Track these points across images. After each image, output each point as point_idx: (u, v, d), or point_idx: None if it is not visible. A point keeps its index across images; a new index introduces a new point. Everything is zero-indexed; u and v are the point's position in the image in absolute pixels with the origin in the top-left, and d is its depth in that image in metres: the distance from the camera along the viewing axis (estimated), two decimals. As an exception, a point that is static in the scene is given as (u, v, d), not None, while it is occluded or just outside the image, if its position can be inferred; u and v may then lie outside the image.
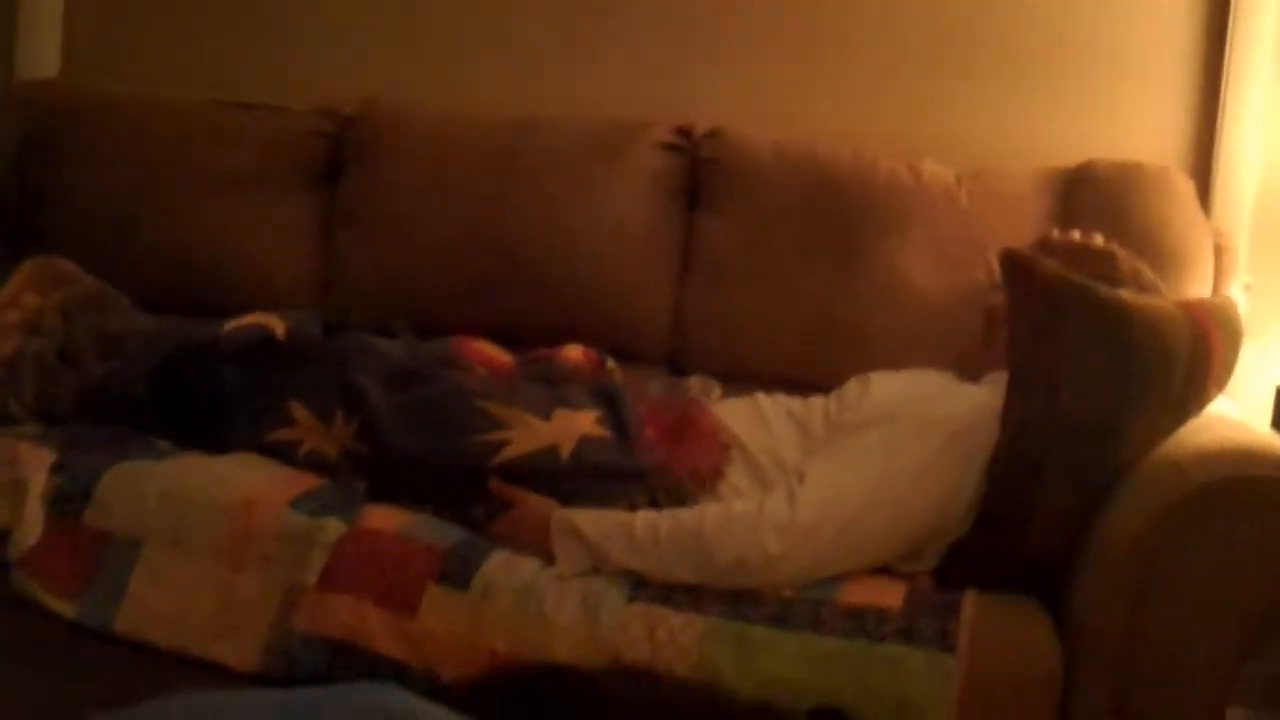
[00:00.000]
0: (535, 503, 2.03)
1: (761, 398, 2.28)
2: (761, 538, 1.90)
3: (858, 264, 2.57)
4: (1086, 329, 1.92)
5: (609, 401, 2.18)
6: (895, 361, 2.34)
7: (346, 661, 1.87)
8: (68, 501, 2.00)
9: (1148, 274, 2.24)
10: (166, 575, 1.94)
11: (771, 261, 2.61)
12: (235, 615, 1.91)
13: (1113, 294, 1.96)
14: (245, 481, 2.03)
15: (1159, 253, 2.44)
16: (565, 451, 2.08)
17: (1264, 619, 1.78)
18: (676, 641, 1.83)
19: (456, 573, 1.90)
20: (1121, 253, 2.25)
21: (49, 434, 2.15)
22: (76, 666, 1.94)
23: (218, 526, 1.96)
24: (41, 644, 1.96)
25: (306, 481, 2.06)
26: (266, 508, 1.97)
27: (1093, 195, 2.58)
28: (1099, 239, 2.27)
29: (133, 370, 2.26)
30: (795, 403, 2.26)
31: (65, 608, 1.94)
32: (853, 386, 2.26)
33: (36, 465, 2.03)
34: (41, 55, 3.18)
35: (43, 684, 1.91)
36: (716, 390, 2.40)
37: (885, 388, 2.21)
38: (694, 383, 2.42)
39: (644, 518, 1.96)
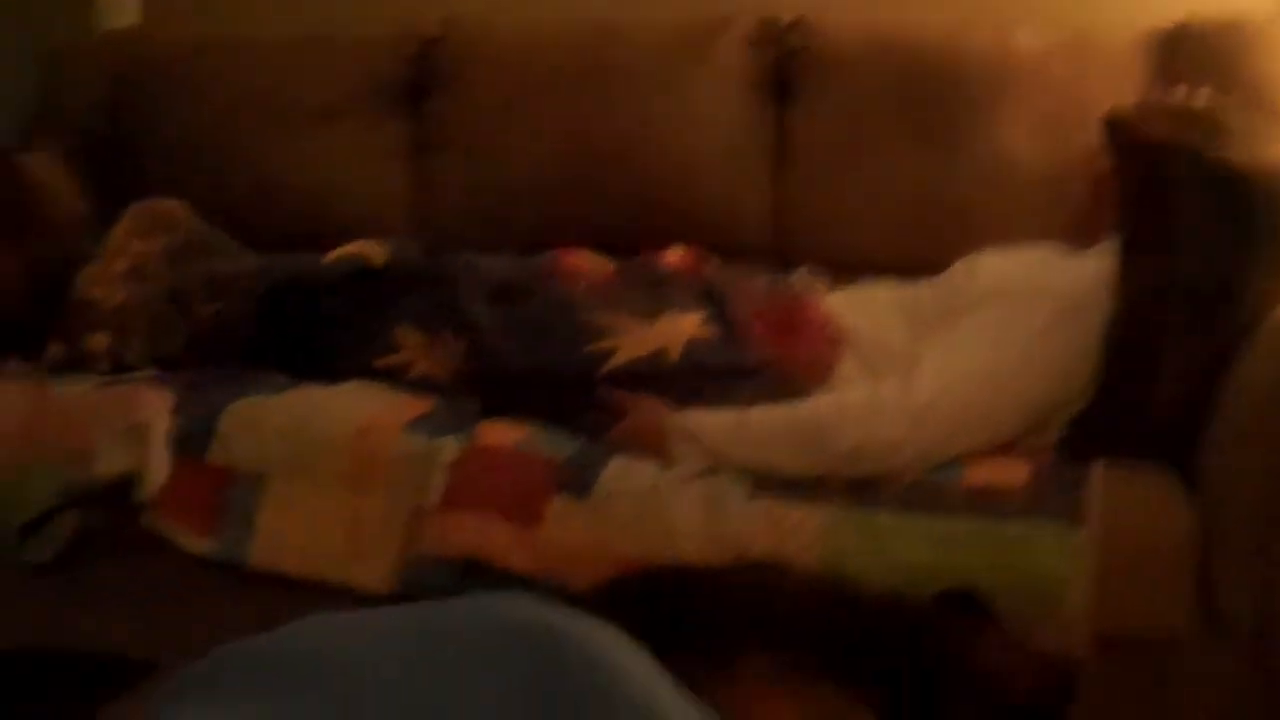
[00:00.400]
0: (649, 407, 2.03)
1: (869, 287, 2.27)
2: (879, 423, 1.89)
3: (956, 144, 2.52)
4: (1199, 193, 1.88)
5: (714, 301, 2.17)
6: (1001, 240, 2.30)
7: (476, 578, 1.88)
8: (191, 441, 2.03)
9: (1260, 126, 2.17)
10: (293, 506, 1.98)
11: (867, 149, 2.58)
12: (364, 540, 1.94)
13: (1223, 155, 1.91)
14: (360, 409, 2.05)
15: (1270, 109, 2.36)
16: (674, 354, 2.07)
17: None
18: (800, 534, 1.83)
19: (576, 482, 1.91)
20: (1230, 107, 2.18)
21: (166, 378, 2.18)
22: (217, 600, 1.99)
23: (337, 455, 1.98)
24: (182, 581, 2.01)
25: (420, 404, 2.08)
26: (384, 433, 1.99)
27: (1195, 53, 2.51)
28: (1205, 94, 2.21)
29: (240, 308, 2.29)
30: (904, 289, 2.25)
31: (200, 544, 1.99)
32: (960, 268, 2.23)
33: (158, 409, 2.06)
34: (122, 5, 3.21)
35: (185, 619, 1.97)
36: (823, 282, 2.38)
37: (993, 266, 2.18)
38: (800, 276, 2.40)
39: (759, 413, 1.95)
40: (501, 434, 2.01)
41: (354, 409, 2.05)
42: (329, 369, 2.18)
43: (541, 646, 1.25)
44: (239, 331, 2.28)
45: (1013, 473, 1.88)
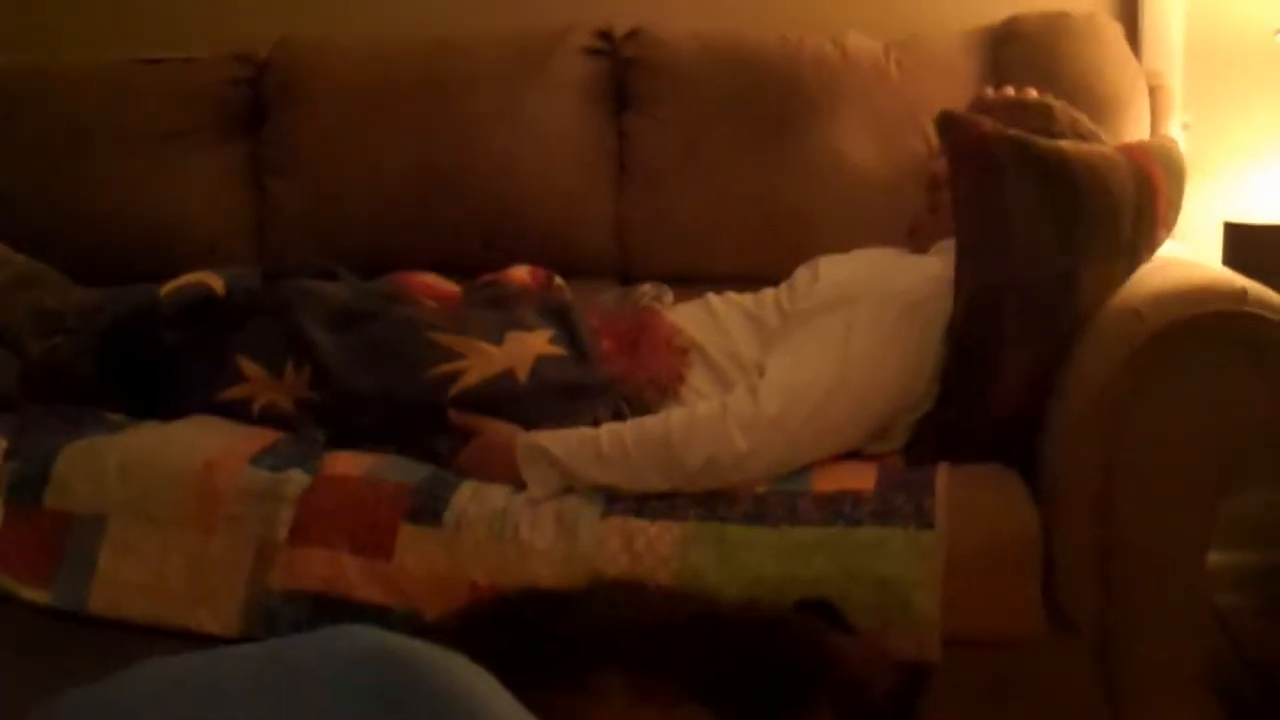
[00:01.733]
0: (498, 429, 2.00)
1: (713, 298, 2.26)
2: (729, 436, 1.88)
3: (794, 149, 2.54)
4: (1029, 183, 1.89)
5: (561, 318, 2.16)
6: (843, 244, 2.32)
7: (328, 613, 1.84)
8: (25, 486, 1.95)
9: (1085, 122, 2.22)
10: (135, 548, 1.91)
11: (707, 157, 2.58)
12: (210, 580, 1.89)
13: (1052, 145, 1.94)
14: (203, 444, 1.99)
15: (1094, 100, 2.42)
16: (522, 374, 2.05)
17: (1237, 456, 1.77)
18: (655, 550, 1.82)
19: (427, 509, 1.88)
20: (1057, 104, 2.23)
21: (-3, 420, 2.11)
22: (57, 650, 1.92)
23: (181, 492, 1.92)
24: (18, 631, 1.93)
25: (265, 437, 2.03)
26: (227, 468, 1.94)
27: (1022, 50, 2.56)
28: (1033, 93, 2.25)
29: (75, 345, 2.21)
30: (747, 298, 2.25)
31: (38, 594, 1.91)
32: (803, 274, 2.24)
33: (-12, 454, 1.99)
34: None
35: (23, 670, 1.89)
36: (668, 295, 2.38)
37: (835, 270, 2.19)
38: (645, 290, 2.39)
39: (610, 430, 1.94)
40: (349, 464, 1.97)
41: (196, 445, 1.99)
42: (172, 405, 2.12)
43: (391, 678, 1.22)
44: (76, 368, 2.20)
45: (860, 478, 1.89)
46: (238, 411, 2.09)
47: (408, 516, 1.88)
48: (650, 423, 1.94)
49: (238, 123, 2.79)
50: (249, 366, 2.10)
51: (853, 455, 1.99)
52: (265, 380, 2.09)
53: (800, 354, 1.98)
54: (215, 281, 2.25)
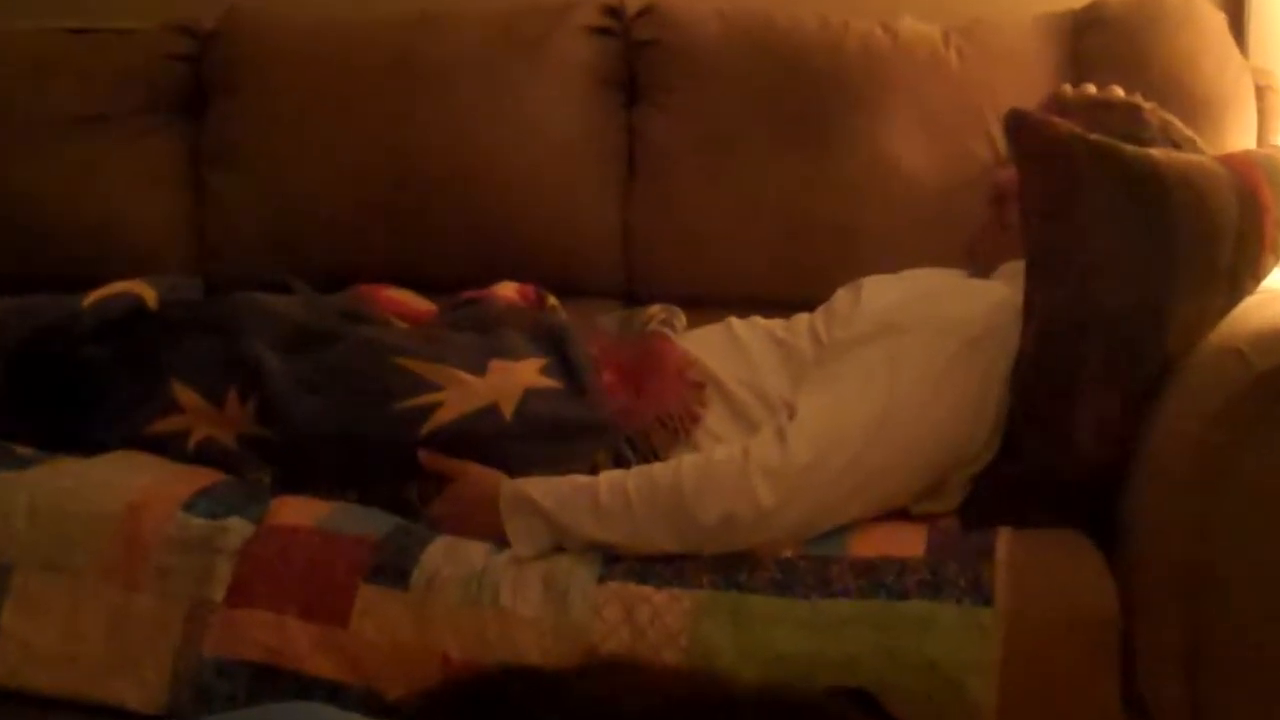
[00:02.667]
0: (478, 474, 2.01)
1: (736, 322, 2.27)
2: (751, 488, 1.87)
3: (834, 151, 2.55)
4: (1114, 198, 1.90)
5: (554, 344, 2.16)
6: (890, 263, 2.31)
7: (270, 687, 1.84)
8: (-85, 533, 1.96)
9: (1180, 127, 2.22)
10: (45, 606, 1.91)
11: (731, 158, 2.59)
12: (132, 645, 1.88)
13: (1141, 153, 1.94)
14: (128, 484, 1.99)
15: (1189, 101, 2.43)
16: (508, 409, 2.05)
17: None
18: (661, 623, 1.81)
19: (392, 567, 1.88)
20: (1147, 105, 2.23)
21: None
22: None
23: (100, 541, 1.92)
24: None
25: (201, 477, 2.03)
26: (156, 513, 1.94)
27: (1106, 40, 2.57)
28: (1118, 91, 2.25)
29: (-20, 365, 2.22)
30: (776, 324, 2.25)
31: (-73, 661, 1.91)
32: (843, 297, 2.24)
33: None
34: None
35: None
36: (681, 319, 2.38)
37: (881, 294, 2.18)
38: (654, 312, 2.39)
39: (609, 479, 1.93)
40: (300, 511, 1.97)
41: (119, 485, 1.99)
42: (92, 437, 2.12)
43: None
44: (-20, 393, 2.21)
45: (907, 542, 1.88)
46: (170, 446, 2.09)
47: (368, 575, 1.87)
48: (658, 470, 1.94)
49: (177, 106, 2.80)
50: (184, 394, 2.10)
51: (898, 515, 1.98)
52: (203, 410, 2.10)
53: (838, 391, 1.98)
54: (146, 292, 2.26)
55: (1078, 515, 1.92)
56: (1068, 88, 2.30)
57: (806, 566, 1.85)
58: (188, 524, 1.93)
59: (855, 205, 2.53)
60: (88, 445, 2.11)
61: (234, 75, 2.77)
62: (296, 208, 2.69)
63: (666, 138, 2.65)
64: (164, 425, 2.11)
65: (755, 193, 2.57)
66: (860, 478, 1.92)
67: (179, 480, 2.02)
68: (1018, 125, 1.98)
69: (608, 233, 2.65)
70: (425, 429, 2.04)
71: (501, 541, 1.92)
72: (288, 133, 2.71)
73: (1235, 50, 2.58)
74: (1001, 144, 2.43)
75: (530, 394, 2.08)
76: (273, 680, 1.84)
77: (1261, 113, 2.55)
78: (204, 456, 2.09)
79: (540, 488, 1.94)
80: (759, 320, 2.27)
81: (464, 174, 2.62)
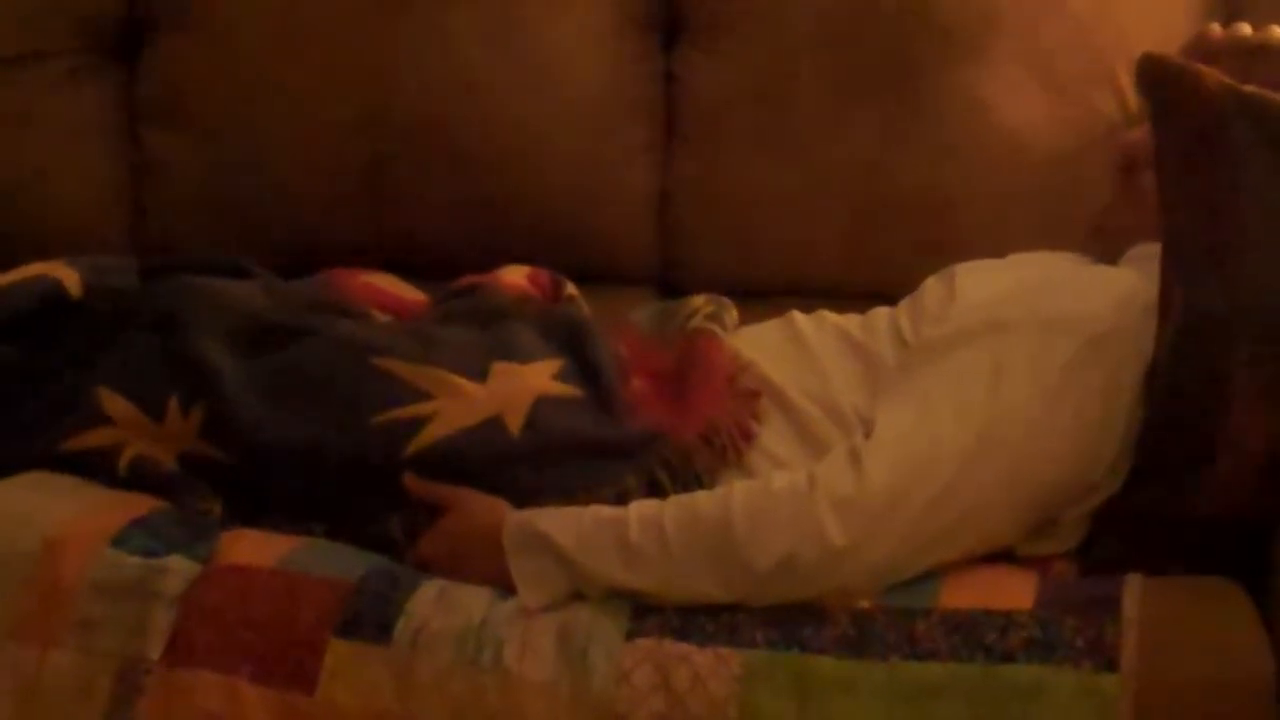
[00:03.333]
0: (476, 504, 2.01)
1: (800, 318, 2.27)
2: (818, 523, 1.86)
3: (922, 107, 2.56)
4: (1273, 164, 1.89)
5: (572, 343, 2.17)
6: (992, 245, 2.33)
7: (217, 766, 1.85)
8: None
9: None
10: (-61, 664, 1.92)
11: (793, 114, 2.61)
12: (49, 714, 1.89)
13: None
14: (42, 513, 2.00)
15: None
16: (514, 423, 2.06)
17: None
18: (704, 690, 1.81)
19: (369, 618, 1.88)
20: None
21: None
22: None
23: (9, 586, 1.93)
24: None
25: (134, 505, 2.03)
26: (78, 550, 1.94)
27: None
28: (1278, 33, 2.24)
29: None
30: (850, 321, 2.25)
31: None
32: (933, 288, 2.24)
33: None
34: None
35: None
36: (732, 313, 2.38)
37: (982, 285, 2.18)
38: (698, 305, 2.39)
39: (641, 510, 1.93)
40: (256, 548, 1.98)
41: (32, 514, 2.00)
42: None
43: None
44: None
45: (1012, 591, 1.88)
46: (95, 467, 2.10)
47: (340, 629, 1.87)
48: (702, 501, 1.93)
49: (106, 46, 2.82)
50: (114, 403, 2.11)
51: (1001, 557, 1.98)
52: (137, 423, 2.10)
53: (926, 404, 1.97)
54: (67, 275, 2.26)
55: (1225, 559, 1.92)
56: (1215, 28, 2.29)
57: (886, 621, 1.84)
58: (118, 563, 1.93)
59: (948, 173, 2.55)
60: (-3, 463, 2.13)
61: (176, 10, 2.78)
62: (253, 173, 2.71)
63: (713, 88, 2.66)
64: (88, 441, 2.11)
65: (822, 155, 2.59)
66: (954, 511, 1.91)
67: (107, 509, 2.02)
68: (1155, 74, 1.97)
69: (639, 205, 2.67)
70: (412, 447, 2.04)
71: (505, 587, 1.92)
72: (243, 80, 2.73)
73: None
74: (1133, 97, 2.42)
75: (542, 404, 2.08)
76: (219, 757, 1.85)
77: None
78: (138, 479, 2.09)
79: (554, 521, 1.93)
80: (828, 316, 2.27)
81: (460, 131, 2.64)
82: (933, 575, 1.92)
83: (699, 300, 2.40)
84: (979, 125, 2.54)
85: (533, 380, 2.11)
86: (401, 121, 2.67)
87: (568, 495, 2.01)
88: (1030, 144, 2.53)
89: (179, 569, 1.93)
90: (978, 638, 1.80)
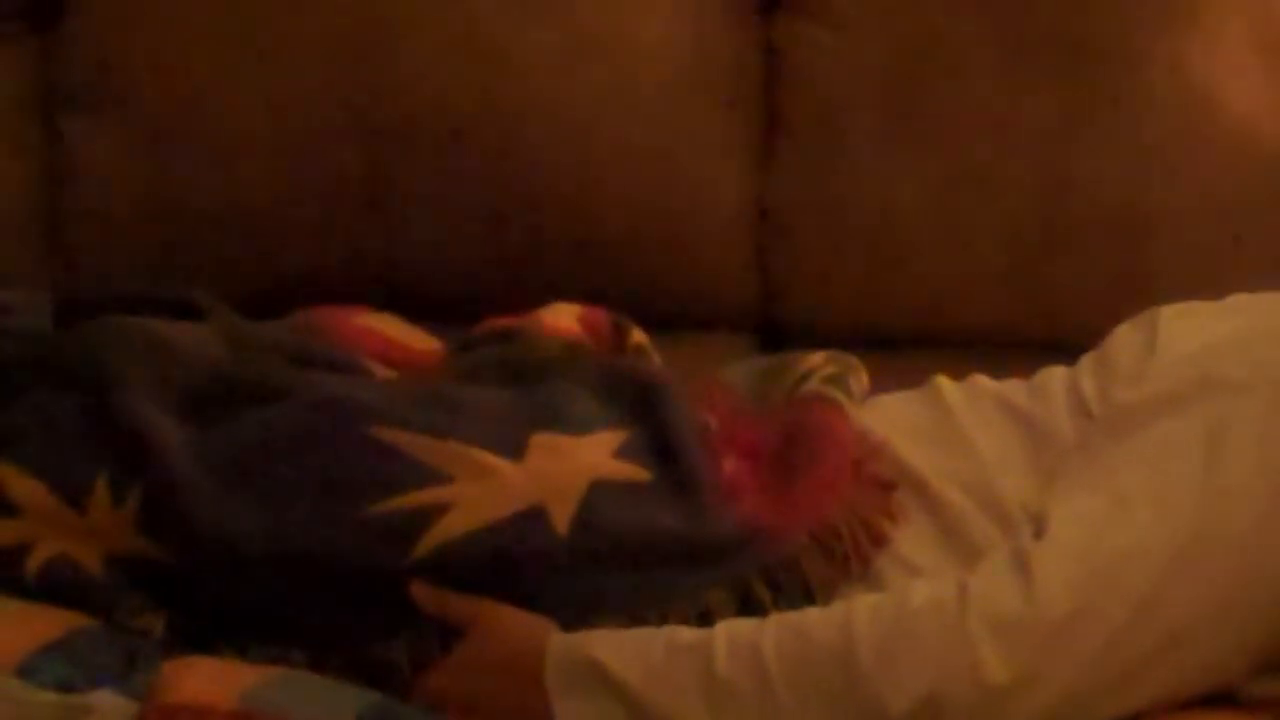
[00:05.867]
0: (509, 623, 2.02)
1: (947, 385, 2.28)
2: (972, 651, 1.86)
3: (1112, 90, 2.58)
4: None
5: (642, 409, 2.18)
6: (1206, 278, 2.33)
7: None
8: None
9: None
10: None
11: (935, 102, 2.64)
12: None
13: None
14: (-76, 633, 2.02)
15: None
16: (561, 516, 2.06)
17: None
18: None
19: (363, 781, 1.89)
20: None
21: None
22: None
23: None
24: None
25: (46, 624, 2.04)
26: (-27, 682, 1.97)
27: None
28: None
29: None
30: (1013, 387, 2.27)
31: None
32: (1127, 339, 2.25)
33: None
34: None
35: None
36: (862, 376, 2.38)
37: (1191, 333, 2.19)
38: (816, 363, 2.40)
39: (732, 635, 1.93)
40: (211, 681, 1.97)
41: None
42: None
43: None
44: None
45: (1231, 749, 1.88)
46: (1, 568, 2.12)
47: (326, 793, 1.89)
48: (816, 622, 1.94)
49: (17, 12, 2.87)
50: (19, 484, 2.11)
51: (1220, 701, 1.97)
52: (52, 512, 2.10)
53: (1119, 491, 1.97)
54: (-36, 316, 2.29)
55: None
56: None
57: (1062, 787, 1.85)
58: (25, 700, 1.93)
59: (1148, 183, 2.56)
60: None
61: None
62: (206, 176, 2.75)
63: (828, 69, 2.69)
64: (-11, 534, 2.14)
65: (977, 162, 2.62)
66: (1155, 635, 1.91)
67: (10, 626, 2.03)
68: None
69: (729, 224, 2.69)
70: (422, 547, 2.04)
71: (547, 738, 1.94)
72: (193, 56, 2.77)
73: None
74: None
75: (599, 489, 2.08)
76: None
77: None
78: (52, 588, 2.09)
79: (615, 647, 1.94)
80: (983, 381, 2.29)
81: (483, 124, 2.68)
82: (1123, 724, 1.93)
83: (816, 358, 2.40)
84: (1189, 115, 2.55)
85: (587, 458, 2.11)
86: (404, 111, 2.69)
87: (632, 613, 2.02)
88: (1259, 140, 2.54)
89: (107, 709, 1.91)
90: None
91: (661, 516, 2.10)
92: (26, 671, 1.96)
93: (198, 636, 2.07)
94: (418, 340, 2.40)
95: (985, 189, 2.61)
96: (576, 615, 2.02)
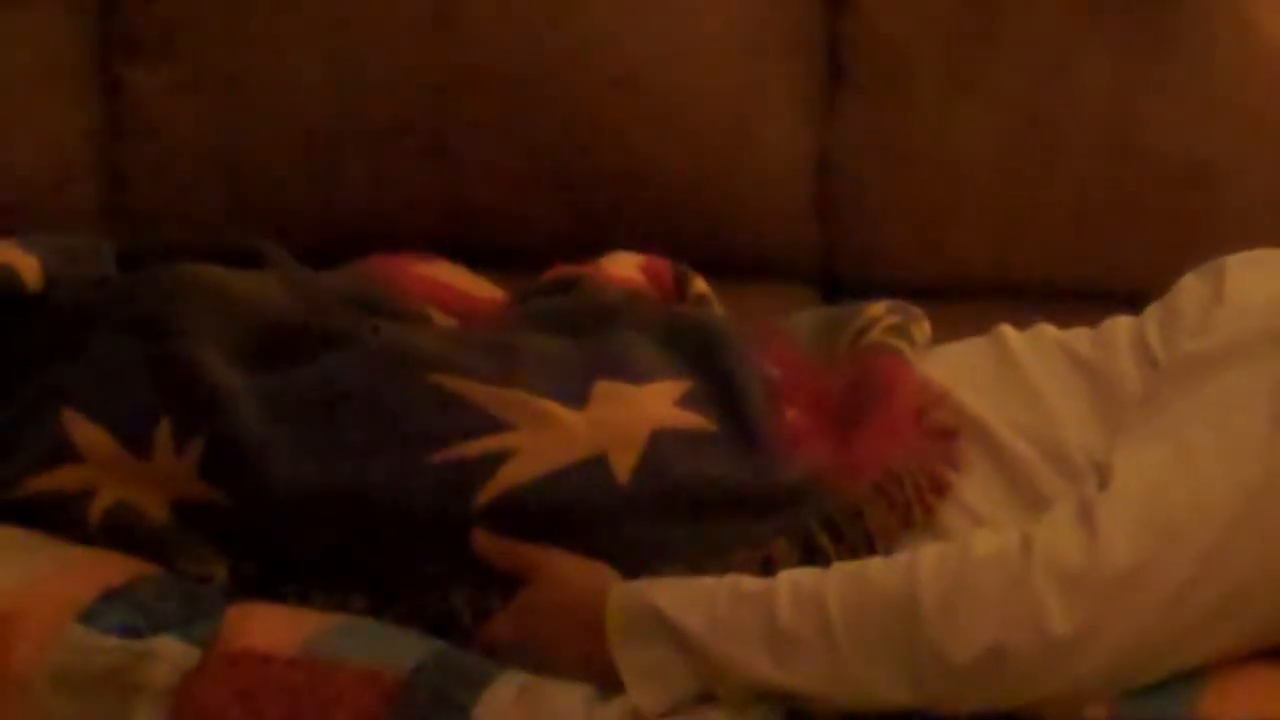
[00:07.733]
0: (571, 571, 2.03)
1: (1011, 333, 2.28)
2: (1035, 602, 1.86)
3: (1179, 38, 2.57)
4: None
5: (704, 358, 2.18)
6: (1271, 227, 2.32)
7: None
8: None
9: None
10: None
11: (1000, 50, 2.63)
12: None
13: None
14: (-10, 578, 2.03)
15: None
16: (623, 464, 2.06)
17: None
18: (882, 831, 1.82)
19: (427, 721, 1.90)
20: None
21: None
22: None
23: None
24: None
25: (109, 569, 2.05)
26: (35, 627, 1.96)
27: None
28: None
29: None
30: (1079, 335, 2.26)
31: None
32: (1193, 289, 2.25)
33: None
34: None
35: None
36: (924, 326, 2.38)
37: (1260, 283, 2.19)
38: (878, 313, 2.40)
39: (795, 584, 1.92)
40: (273, 628, 1.98)
41: (-23, 578, 2.03)
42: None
43: None
44: None
45: (1299, 702, 1.88)
46: (58, 517, 2.12)
47: (391, 735, 1.90)
48: (878, 571, 1.93)
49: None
50: (84, 431, 2.12)
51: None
52: (115, 459, 2.11)
53: (1184, 443, 1.96)
54: (23, 262, 2.28)
55: None
56: None
57: (1129, 738, 1.85)
58: (87, 646, 1.94)
59: (1213, 127, 2.56)
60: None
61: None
62: (268, 126, 2.76)
63: (894, 18, 2.68)
64: (50, 482, 2.13)
65: (1043, 109, 2.61)
66: (1220, 589, 1.90)
67: (73, 574, 2.04)
68: None
69: (794, 173, 2.69)
70: (484, 495, 2.05)
71: (609, 683, 1.93)
72: (253, 3, 2.79)
73: None
74: None
75: (661, 438, 2.09)
76: None
77: None
78: (115, 534, 2.11)
79: (677, 595, 1.94)
80: (1048, 330, 2.28)
81: (549, 73, 2.68)
82: (1190, 677, 1.90)
83: (878, 308, 2.41)
84: (1256, 69, 2.55)
85: (650, 407, 2.12)
86: (466, 60, 2.71)
87: (694, 562, 2.02)
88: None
89: (170, 655, 1.94)
90: (1253, 764, 1.81)
91: (723, 466, 2.10)
92: (90, 617, 1.97)
93: (260, 583, 2.08)
94: (480, 289, 2.40)
95: (1049, 139, 2.61)
96: (638, 564, 2.02)
